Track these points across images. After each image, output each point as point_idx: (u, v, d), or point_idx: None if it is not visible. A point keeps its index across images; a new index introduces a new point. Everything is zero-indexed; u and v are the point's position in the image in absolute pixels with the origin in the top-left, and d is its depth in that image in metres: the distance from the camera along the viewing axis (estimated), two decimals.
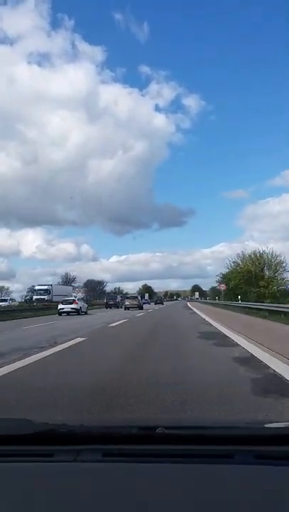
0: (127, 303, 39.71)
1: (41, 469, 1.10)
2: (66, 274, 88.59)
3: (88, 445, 1.16)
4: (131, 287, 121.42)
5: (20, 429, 1.24)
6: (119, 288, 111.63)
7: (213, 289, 79.64)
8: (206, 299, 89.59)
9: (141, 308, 37.78)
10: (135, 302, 39.82)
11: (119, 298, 49.26)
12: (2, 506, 0.92)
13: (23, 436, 1.19)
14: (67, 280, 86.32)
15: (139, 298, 43.77)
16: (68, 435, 1.20)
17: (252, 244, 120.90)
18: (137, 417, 3.14)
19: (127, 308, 37.33)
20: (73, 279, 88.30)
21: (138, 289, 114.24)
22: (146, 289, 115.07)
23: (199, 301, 76.18)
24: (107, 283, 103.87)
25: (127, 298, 43.33)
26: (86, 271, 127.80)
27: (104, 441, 1.17)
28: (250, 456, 1.09)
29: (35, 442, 1.18)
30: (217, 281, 56.29)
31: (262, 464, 1.07)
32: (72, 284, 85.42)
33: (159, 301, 67.71)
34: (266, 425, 1.43)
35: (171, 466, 1.09)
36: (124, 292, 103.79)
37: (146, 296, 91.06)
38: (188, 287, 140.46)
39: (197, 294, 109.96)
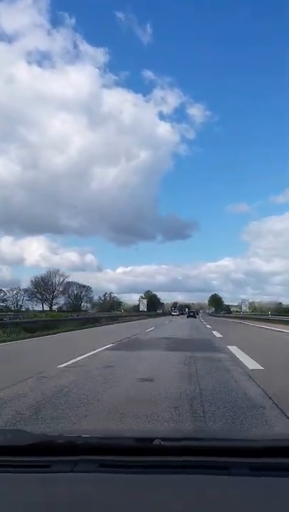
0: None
1: (38, 480, 1.12)
2: None
3: (85, 456, 1.18)
4: (135, 298, 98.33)
5: (17, 440, 1.26)
6: (110, 294, 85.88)
7: None
8: (229, 313, 62.69)
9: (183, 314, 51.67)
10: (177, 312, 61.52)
11: None
12: None
13: (21, 447, 1.20)
14: None
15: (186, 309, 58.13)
16: (65, 446, 1.22)
17: (256, 261, 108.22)
18: (133, 428, 3.29)
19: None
20: None
21: (139, 297, 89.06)
22: (150, 297, 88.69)
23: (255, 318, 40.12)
24: (90, 288, 76.64)
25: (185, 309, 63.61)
26: (91, 281, 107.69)
27: (101, 453, 1.20)
28: (245, 467, 1.11)
29: (33, 453, 1.20)
30: None
31: (257, 475, 1.09)
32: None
33: (192, 314, 49.12)
34: (261, 437, 1.50)
35: (168, 478, 1.11)
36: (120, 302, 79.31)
37: (143, 305, 66.92)
38: (194, 300, 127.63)
39: (247, 303, 67.96)
